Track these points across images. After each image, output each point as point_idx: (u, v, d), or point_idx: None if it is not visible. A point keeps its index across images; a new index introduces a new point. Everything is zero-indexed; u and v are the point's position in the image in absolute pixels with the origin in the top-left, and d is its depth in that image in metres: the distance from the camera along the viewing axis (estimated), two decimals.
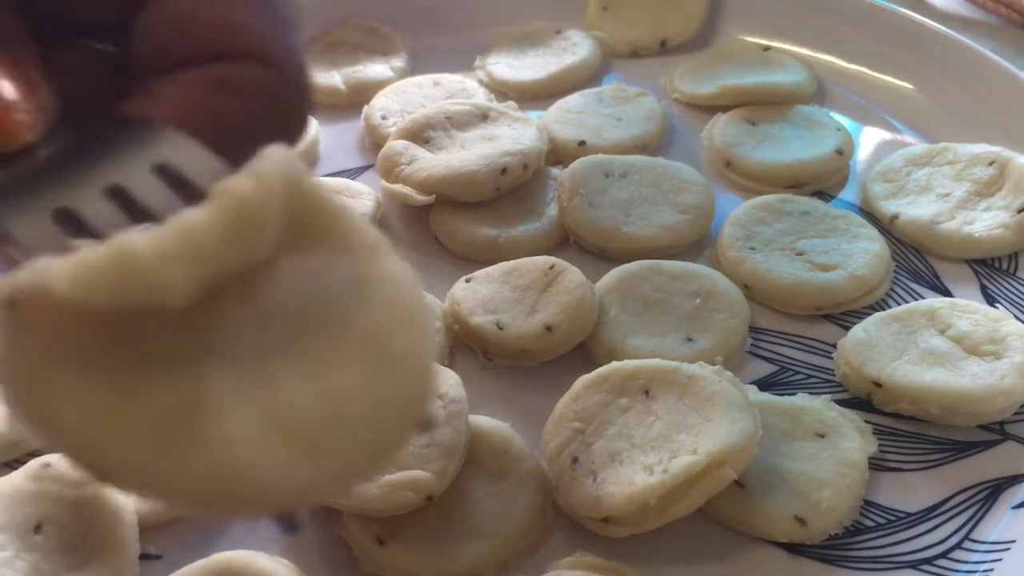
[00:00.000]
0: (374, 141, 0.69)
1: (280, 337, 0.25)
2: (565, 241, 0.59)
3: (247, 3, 0.31)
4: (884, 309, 0.52)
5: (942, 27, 0.69)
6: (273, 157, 0.24)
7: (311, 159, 0.68)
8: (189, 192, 0.26)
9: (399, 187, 0.59)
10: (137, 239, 0.22)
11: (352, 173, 0.67)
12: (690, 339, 0.50)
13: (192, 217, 0.22)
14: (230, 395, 0.23)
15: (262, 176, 0.24)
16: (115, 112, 0.28)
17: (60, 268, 0.21)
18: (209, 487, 0.23)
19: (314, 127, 0.69)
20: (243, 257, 0.23)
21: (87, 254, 0.22)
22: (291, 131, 0.33)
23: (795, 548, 0.43)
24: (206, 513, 0.24)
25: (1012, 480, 0.45)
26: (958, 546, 0.43)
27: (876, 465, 0.45)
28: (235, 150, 0.29)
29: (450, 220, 0.59)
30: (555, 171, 0.63)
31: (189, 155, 0.27)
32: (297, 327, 0.25)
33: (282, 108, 0.32)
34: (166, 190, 0.26)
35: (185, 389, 0.23)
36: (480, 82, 0.74)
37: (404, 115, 0.67)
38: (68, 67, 0.31)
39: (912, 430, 0.47)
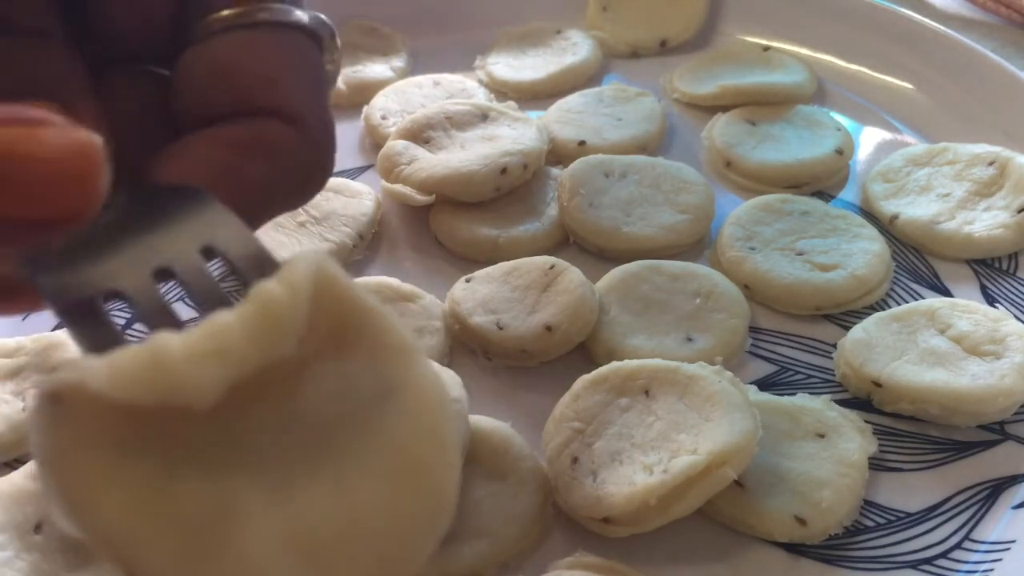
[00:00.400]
0: (374, 141, 0.69)
1: (306, 445, 0.25)
2: (565, 241, 0.59)
3: (287, 63, 0.32)
4: (884, 309, 0.52)
5: (942, 27, 0.69)
6: (305, 262, 0.25)
7: None
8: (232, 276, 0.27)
9: (399, 187, 0.59)
10: (169, 339, 0.23)
11: (352, 173, 0.67)
12: (690, 339, 0.50)
13: (221, 319, 0.23)
14: (257, 507, 0.24)
15: (292, 283, 0.24)
16: (148, 168, 0.29)
17: (97, 365, 0.23)
18: None
19: None
20: (269, 358, 0.24)
21: (123, 353, 0.23)
22: (310, 191, 0.33)
23: (795, 548, 0.43)
24: None
25: (1012, 480, 0.45)
26: (958, 546, 0.43)
27: (876, 465, 0.45)
28: (256, 210, 0.30)
29: (450, 220, 0.59)
30: (555, 171, 0.63)
31: (235, 235, 0.27)
32: (323, 435, 0.25)
33: (306, 171, 0.32)
34: (210, 276, 0.27)
35: (215, 496, 0.24)
36: (480, 82, 0.74)
37: (404, 115, 0.67)
38: (121, 98, 0.32)
39: (912, 430, 0.47)
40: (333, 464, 0.25)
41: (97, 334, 0.25)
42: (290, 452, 0.25)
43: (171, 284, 0.28)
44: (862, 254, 0.54)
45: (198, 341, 0.23)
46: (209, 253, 0.28)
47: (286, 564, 0.24)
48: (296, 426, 0.25)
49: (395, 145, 0.62)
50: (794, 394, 0.48)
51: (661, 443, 0.42)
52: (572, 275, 0.52)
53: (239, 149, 0.30)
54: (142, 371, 0.23)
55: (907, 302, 0.53)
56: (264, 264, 0.26)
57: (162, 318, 0.25)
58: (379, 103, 0.70)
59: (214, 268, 0.28)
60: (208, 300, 0.26)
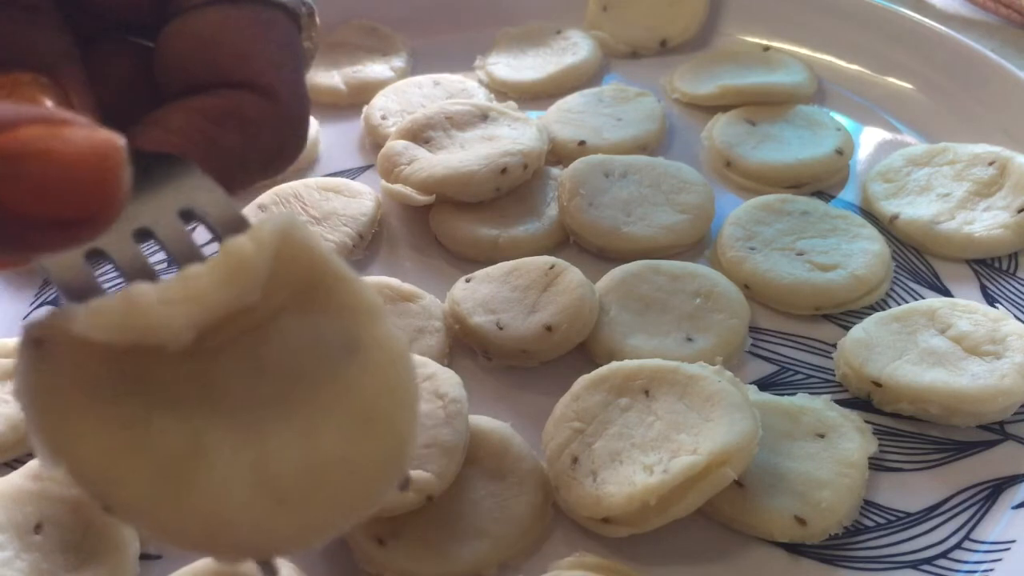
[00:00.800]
0: (374, 141, 0.69)
1: (275, 392, 0.27)
2: (565, 241, 0.59)
3: (263, 38, 0.33)
4: (884, 309, 0.52)
5: (942, 27, 0.69)
6: (272, 222, 0.27)
7: (311, 159, 0.68)
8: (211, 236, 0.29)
9: (399, 187, 0.59)
10: (144, 287, 0.25)
11: (352, 173, 0.67)
12: (690, 339, 0.50)
13: (192, 270, 0.26)
14: (226, 448, 0.26)
15: (258, 238, 0.26)
16: (130, 135, 0.30)
17: (78, 310, 0.25)
18: (197, 532, 0.25)
19: (314, 127, 0.69)
20: (236, 304, 0.26)
21: (102, 300, 0.25)
22: (283, 162, 0.35)
23: (795, 548, 0.43)
24: (193, 552, 0.28)
25: (1012, 480, 0.45)
26: (958, 546, 0.43)
27: (876, 465, 0.45)
28: (230, 178, 0.32)
29: (450, 220, 0.59)
30: (555, 171, 0.63)
31: (213, 200, 0.29)
32: (291, 384, 0.27)
33: (278, 142, 0.34)
34: (189, 237, 0.29)
35: (187, 436, 0.26)
36: (480, 82, 0.74)
37: (404, 115, 0.67)
38: (107, 65, 0.34)
39: (912, 430, 0.47)
40: (301, 412, 0.27)
41: (79, 285, 0.26)
42: (260, 400, 0.27)
43: (153, 247, 0.30)
44: (862, 254, 0.54)
45: (170, 287, 0.25)
46: (188, 216, 0.29)
47: (253, 502, 0.25)
48: (266, 376, 0.27)
49: (395, 145, 0.62)
50: (794, 394, 0.48)
51: (661, 443, 0.42)
52: (572, 275, 0.52)
53: (213, 119, 0.32)
54: (119, 313, 0.24)
55: (907, 302, 0.53)
56: (240, 227, 0.28)
57: (141, 274, 0.27)
58: (379, 103, 0.70)
59: (191, 230, 0.30)
60: (185, 260, 0.28)
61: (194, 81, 0.33)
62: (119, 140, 0.23)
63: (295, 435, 0.26)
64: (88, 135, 0.23)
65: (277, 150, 0.34)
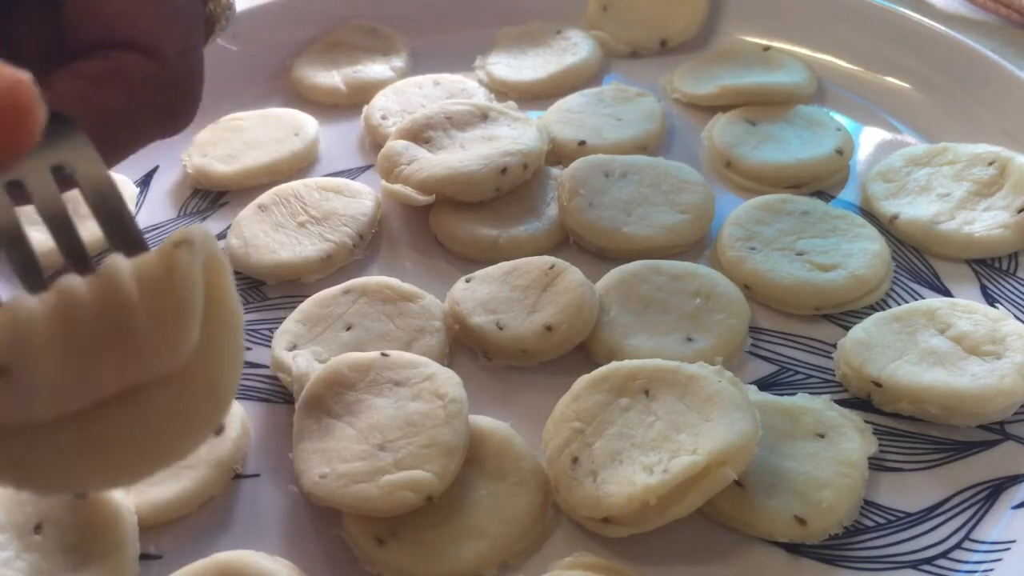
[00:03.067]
0: (374, 141, 0.69)
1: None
2: (565, 241, 0.59)
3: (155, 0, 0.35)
4: (884, 309, 0.52)
5: (942, 27, 0.69)
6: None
7: (311, 159, 0.68)
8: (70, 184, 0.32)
9: (399, 187, 0.59)
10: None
11: (352, 173, 0.67)
12: (690, 339, 0.50)
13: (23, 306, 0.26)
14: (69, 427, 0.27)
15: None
16: None
17: None
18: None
19: (314, 127, 0.69)
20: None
21: None
22: (174, 121, 0.37)
23: (795, 548, 0.43)
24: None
25: (1012, 480, 0.45)
26: (958, 546, 0.43)
27: (876, 465, 0.45)
28: (119, 137, 0.34)
29: (450, 220, 0.59)
30: (555, 171, 0.63)
31: (84, 156, 0.31)
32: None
33: (165, 102, 0.36)
34: (54, 190, 0.31)
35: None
36: (480, 82, 0.74)
37: (404, 115, 0.67)
38: (28, 27, 0.36)
39: (912, 430, 0.47)
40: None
41: None
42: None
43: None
44: (862, 254, 0.54)
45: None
46: (63, 178, 0.31)
47: (83, 462, 0.27)
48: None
49: (395, 145, 0.62)
50: (794, 394, 0.48)
51: (661, 443, 0.42)
52: (572, 275, 0.52)
53: (97, 82, 0.34)
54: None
55: (907, 302, 0.53)
56: (109, 191, 0.30)
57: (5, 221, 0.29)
58: (379, 103, 0.70)
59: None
60: (49, 211, 0.30)
61: (89, 43, 0.34)
62: (28, 75, 0.24)
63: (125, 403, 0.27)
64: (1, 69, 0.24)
65: (166, 110, 0.36)
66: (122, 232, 0.31)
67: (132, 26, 0.35)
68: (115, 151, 0.36)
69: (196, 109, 0.38)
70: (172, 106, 0.37)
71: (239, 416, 0.48)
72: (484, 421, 0.46)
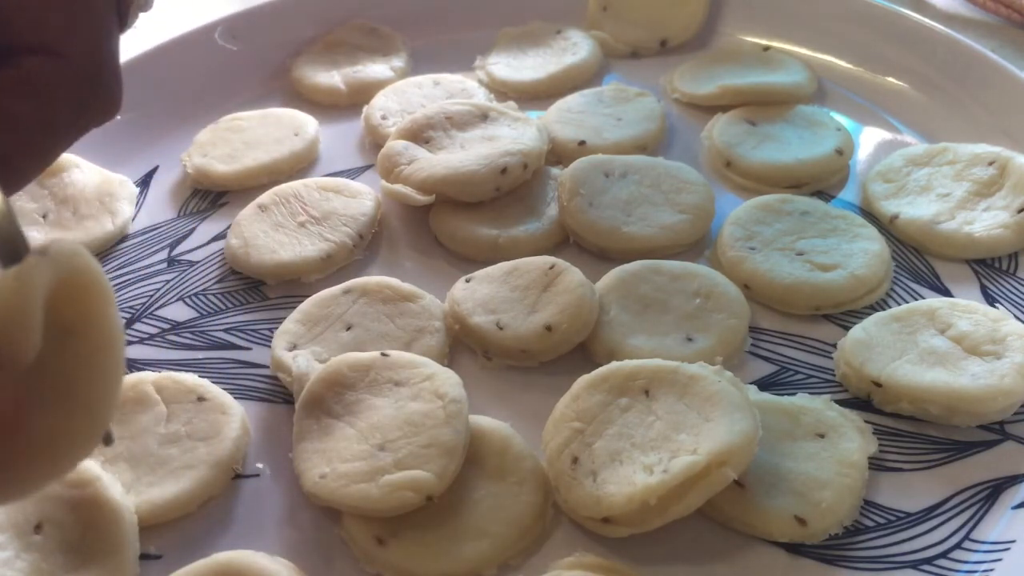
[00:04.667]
0: (374, 141, 0.69)
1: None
2: (565, 241, 0.59)
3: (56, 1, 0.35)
4: (884, 309, 0.52)
5: (942, 27, 0.69)
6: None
7: (311, 159, 0.68)
8: None
9: (399, 187, 0.59)
10: None
11: (352, 173, 0.67)
12: (690, 339, 0.50)
13: None
14: None
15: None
16: None
17: None
18: None
19: (314, 127, 0.69)
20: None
21: None
22: (87, 120, 0.37)
23: (795, 548, 0.43)
24: None
25: (1012, 480, 0.45)
26: (958, 546, 0.43)
27: (876, 465, 0.45)
28: (37, 144, 0.33)
29: (450, 220, 0.59)
30: (555, 171, 0.63)
31: None
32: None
33: (76, 101, 0.35)
34: None
35: None
36: (480, 82, 0.74)
37: (404, 115, 0.67)
38: None
39: (912, 430, 0.47)
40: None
41: None
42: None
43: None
44: (862, 254, 0.54)
45: None
46: None
47: None
48: None
49: (395, 145, 0.62)
50: (794, 394, 0.48)
51: (661, 443, 0.42)
52: (572, 275, 0.52)
53: (3, 91, 0.33)
54: None
55: (907, 302, 0.53)
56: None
57: None
58: (379, 103, 0.70)
59: None
60: None
61: (2, 48, 0.34)
62: None
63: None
64: None
65: (81, 107, 0.36)
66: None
67: (39, 29, 0.34)
68: (40, 155, 0.36)
69: (118, 99, 0.37)
70: (83, 106, 0.36)
71: (239, 416, 0.48)
72: (484, 421, 0.46)
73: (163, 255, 0.62)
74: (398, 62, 0.76)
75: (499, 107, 0.66)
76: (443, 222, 0.60)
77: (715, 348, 0.50)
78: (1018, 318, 0.51)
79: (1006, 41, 0.78)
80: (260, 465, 0.48)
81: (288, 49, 0.78)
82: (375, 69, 0.75)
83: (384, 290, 0.54)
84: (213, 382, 0.50)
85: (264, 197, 0.62)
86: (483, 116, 0.64)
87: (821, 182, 0.62)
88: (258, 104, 0.73)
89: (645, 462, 0.42)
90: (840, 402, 0.48)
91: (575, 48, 0.75)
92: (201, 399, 0.49)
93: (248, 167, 0.66)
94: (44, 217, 0.61)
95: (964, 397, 0.45)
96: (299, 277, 0.58)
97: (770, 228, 0.56)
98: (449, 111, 0.64)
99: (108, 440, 0.32)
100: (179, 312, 0.57)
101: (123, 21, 0.40)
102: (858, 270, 0.53)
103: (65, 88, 0.35)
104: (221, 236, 0.62)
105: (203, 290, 0.59)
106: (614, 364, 0.46)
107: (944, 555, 0.42)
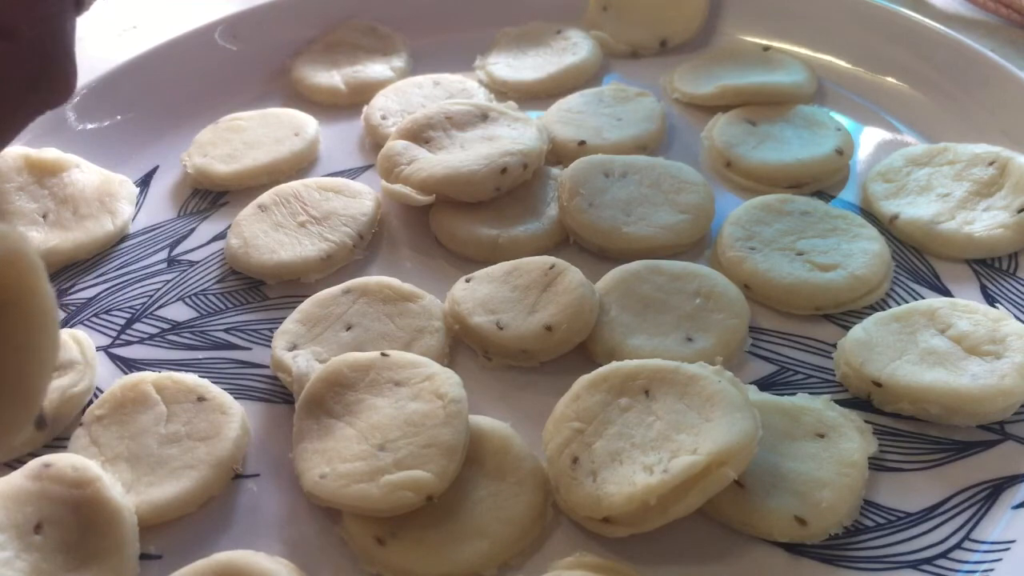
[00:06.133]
0: (374, 141, 0.69)
1: None
2: (565, 241, 0.59)
3: None
4: (884, 309, 0.52)
5: (942, 27, 0.69)
6: None
7: (311, 159, 0.68)
8: None
9: (399, 187, 0.59)
10: None
11: (352, 173, 0.67)
12: (690, 339, 0.50)
13: None
14: None
15: None
16: None
17: None
18: None
19: (314, 127, 0.69)
20: None
21: None
22: (45, 96, 0.37)
23: (795, 548, 0.43)
24: None
25: (1012, 480, 0.45)
26: (958, 546, 0.43)
27: (876, 465, 0.45)
28: None
29: (450, 220, 0.59)
30: (555, 171, 0.63)
31: None
32: None
33: (25, 79, 0.35)
34: None
35: None
36: (480, 82, 0.74)
37: (404, 115, 0.67)
38: None
39: (912, 430, 0.47)
40: None
41: None
42: None
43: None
44: (862, 254, 0.54)
45: None
46: None
47: None
48: None
49: (395, 145, 0.62)
50: (794, 394, 0.48)
51: (661, 443, 0.42)
52: (572, 275, 0.52)
53: None
54: None
55: (907, 302, 0.53)
56: None
57: None
58: (379, 103, 0.70)
59: None
60: None
61: None
62: None
63: None
64: None
65: (31, 87, 0.36)
66: None
67: None
68: None
69: (71, 77, 0.37)
70: (34, 83, 0.36)
71: (239, 416, 0.48)
72: (484, 421, 0.46)
73: (163, 255, 0.62)
74: (398, 62, 0.76)
75: (499, 107, 0.66)
76: (443, 222, 0.60)
77: (715, 348, 0.50)
78: (1018, 318, 0.51)
79: (1006, 41, 0.78)
80: (260, 465, 0.48)
81: (288, 49, 0.78)
82: (375, 69, 0.75)
83: (384, 290, 0.54)
84: (213, 382, 0.50)
85: (264, 197, 0.62)
86: (483, 116, 0.64)
87: (821, 182, 0.62)
88: (258, 104, 0.73)
89: (645, 462, 0.42)
90: (840, 402, 0.48)
91: (575, 48, 0.75)
92: (201, 399, 0.49)
93: (248, 167, 0.66)
94: (44, 217, 0.61)
95: (964, 397, 0.45)
96: (299, 277, 0.58)
97: (770, 228, 0.56)
98: (449, 111, 0.64)
99: (41, 424, 0.32)
100: (179, 312, 0.57)
101: (80, 3, 0.40)
102: (858, 270, 0.53)
103: (12, 66, 0.35)
104: (221, 236, 0.62)
105: (203, 290, 0.59)
106: (614, 364, 0.46)
107: (944, 555, 0.42)
